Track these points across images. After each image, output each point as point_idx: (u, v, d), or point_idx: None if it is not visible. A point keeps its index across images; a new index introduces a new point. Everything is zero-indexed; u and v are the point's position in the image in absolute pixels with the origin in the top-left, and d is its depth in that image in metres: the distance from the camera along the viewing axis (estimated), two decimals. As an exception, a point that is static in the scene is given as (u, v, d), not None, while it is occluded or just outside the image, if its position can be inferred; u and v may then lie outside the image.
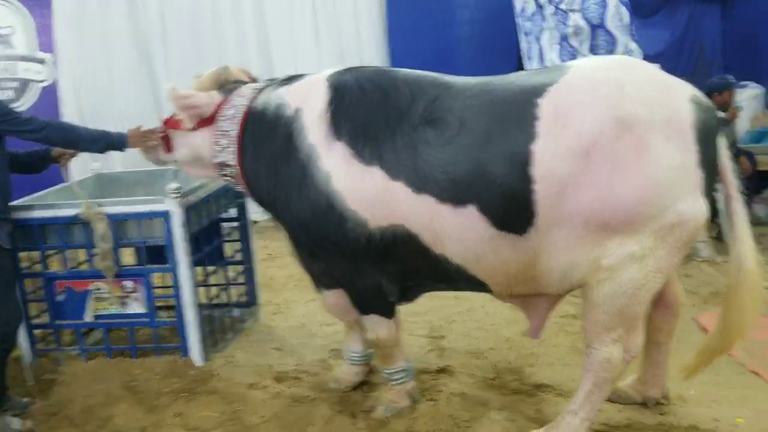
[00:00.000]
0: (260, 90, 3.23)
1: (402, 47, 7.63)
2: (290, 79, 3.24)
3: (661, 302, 3.13)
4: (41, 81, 7.55)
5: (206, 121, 3.22)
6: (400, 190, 2.80)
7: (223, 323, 4.19)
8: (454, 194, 2.73)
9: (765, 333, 4.21)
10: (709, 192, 2.71)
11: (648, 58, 6.17)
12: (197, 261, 3.85)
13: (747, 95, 7.29)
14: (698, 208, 2.67)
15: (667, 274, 2.77)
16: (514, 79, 2.89)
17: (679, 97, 2.69)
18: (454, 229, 2.77)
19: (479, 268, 2.87)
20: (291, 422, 3.32)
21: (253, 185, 3.23)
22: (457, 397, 3.44)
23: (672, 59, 7.45)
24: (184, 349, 3.76)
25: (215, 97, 3.25)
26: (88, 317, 3.73)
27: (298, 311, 4.81)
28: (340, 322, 4.48)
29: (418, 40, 7.53)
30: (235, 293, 4.58)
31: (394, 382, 3.34)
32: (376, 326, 3.23)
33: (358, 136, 2.89)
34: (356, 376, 3.63)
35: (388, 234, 2.88)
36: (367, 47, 7.67)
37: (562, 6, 5.62)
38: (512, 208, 2.68)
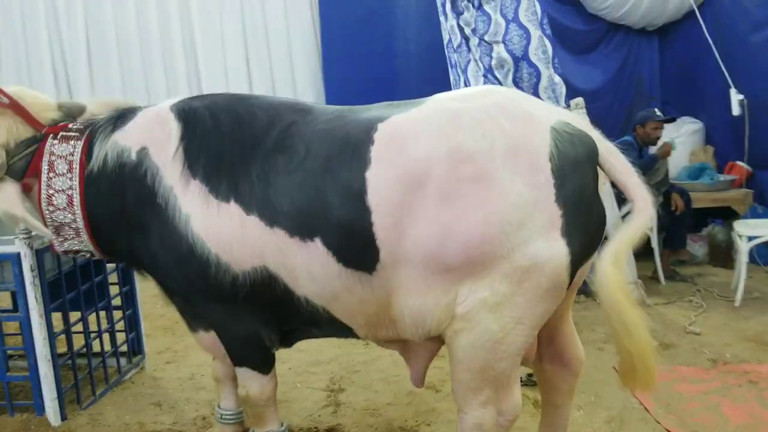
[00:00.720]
0: (86, 147, 2.79)
1: (337, 75, 7.44)
2: (118, 119, 2.83)
3: (557, 359, 2.86)
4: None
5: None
6: (254, 226, 2.51)
7: (92, 376, 3.78)
8: (300, 226, 2.46)
9: (683, 385, 3.96)
10: (576, 231, 2.38)
11: (584, 93, 6.01)
12: (61, 305, 3.48)
13: (685, 130, 7.16)
14: (555, 249, 2.35)
15: (532, 326, 2.45)
16: (373, 108, 2.64)
17: (535, 127, 2.41)
18: (305, 266, 2.49)
19: (338, 308, 2.57)
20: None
21: (117, 254, 2.96)
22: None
23: (609, 93, 7.32)
24: (38, 407, 3.37)
25: (11, 186, 2.77)
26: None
27: (193, 360, 4.45)
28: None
29: (354, 68, 7.33)
30: (120, 340, 4.20)
31: None
32: (248, 381, 2.88)
33: (213, 170, 2.59)
34: None
35: (251, 277, 2.57)
36: (300, 74, 7.46)
37: (486, 38, 5.41)
38: (354, 242, 2.40)
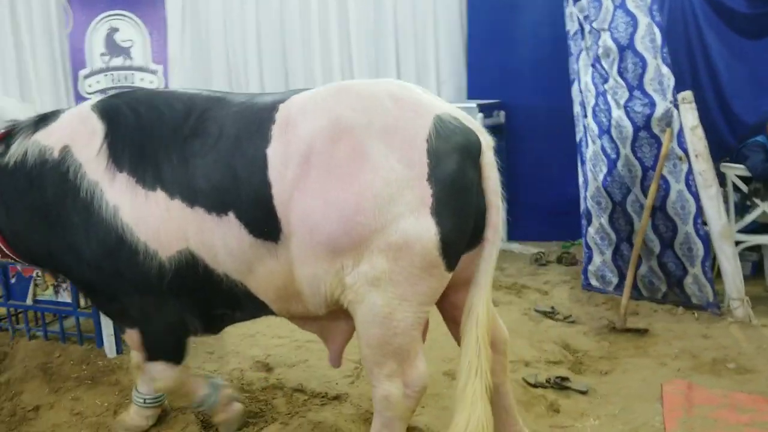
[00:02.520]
0: (1, 141, 3.02)
1: (481, 63, 7.43)
2: (41, 121, 3.03)
3: None
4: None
5: None
6: (177, 208, 2.75)
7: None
8: (216, 202, 2.70)
9: (727, 412, 3.56)
10: (448, 213, 2.47)
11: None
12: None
13: None
14: (423, 227, 2.46)
15: (418, 303, 2.56)
16: (283, 92, 2.86)
17: (419, 110, 2.53)
18: (222, 240, 2.72)
19: (253, 282, 2.78)
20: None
21: (17, 246, 3.06)
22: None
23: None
24: (98, 340, 4.03)
25: None
26: (29, 300, 4.16)
27: (263, 321, 4.90)
28: (287, 335, 4.59)
29: (498, 55, 7.27)
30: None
31: (213, 405, 3.23)
32: (162, 374, 3.08)
33: (138, 161, 2.81)
34: (147, 420, 3.41)
35: (176, 261, 2.80)
36: (444, 62, 7.59)
37: (595, 24, 5.14)
38: (260, 214, 2.63)
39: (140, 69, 8.45)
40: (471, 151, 2.57)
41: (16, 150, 2.95)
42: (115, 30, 8.43)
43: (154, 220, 2.77)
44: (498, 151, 7.23)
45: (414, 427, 3.37)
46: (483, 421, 2.61)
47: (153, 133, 2.83)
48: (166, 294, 2.87)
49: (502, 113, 7.32)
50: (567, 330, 4.75)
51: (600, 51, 5.09)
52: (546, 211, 7.32)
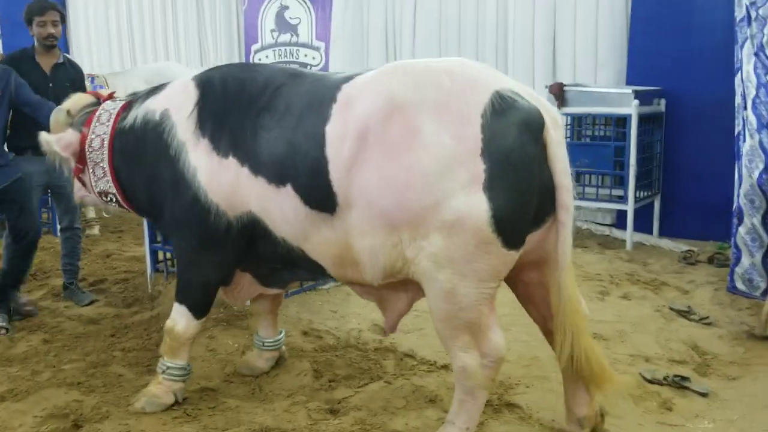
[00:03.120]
0: (126, 108, 3.38)
1: (644, 48, 7.08)
2: (155, 89, 3.37)
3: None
4: (316, 65, 8.87)
5: (82, 158, 3.39)
6: (245, 177, 2.97)
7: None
8: (276, 175, 2.87)
9: None
10: (503, 189, 2.46)
11: None
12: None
13: None
14: (474, 205, 2.45)
15: (479, 279, 2.58)
16: (352, 72, 2.93)
17: (476, 86, 2.52)
18: (280, 209, 2.90)
19: (310, 248, 2.95)
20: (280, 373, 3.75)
21: (135, 201, 3.41)
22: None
23: None
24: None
25: (74, 132, 3.39)
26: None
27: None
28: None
29: (663, 41, 6.90)
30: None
31: (167, 377, 3.36)
32: (179, 317, 3.32)
33: (217, 129, 3.04)
34: (266, 361, 3.72)
35: (241, 222, 3.04)
36: (603, 46, 7.30)
37: (761, 11, 4.75)
38: (316, 188, 2.76)
39: (304, 45, 8.93)
40: (531, 126, 2.52)
41: (132, 114, 3.32)
42: (285, 8, 8.96)
43: (225, 185, 3.01)
44: (654, 141, 6.92)
45: (515, 405, 3.39)
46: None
47: (233, 105, 3.05)
48: (225, 251, 3.13)
49: (663, 101, 6.95)
50: (700, 331, 4.50)
51: (765, 39, 4.71)
52: (702, 207, 6.87)
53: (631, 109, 6.38)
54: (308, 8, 8.81)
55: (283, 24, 9.00)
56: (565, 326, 2.69)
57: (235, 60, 9.48)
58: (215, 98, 3.10)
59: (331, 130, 2.74)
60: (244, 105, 3.02)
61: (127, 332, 4.29)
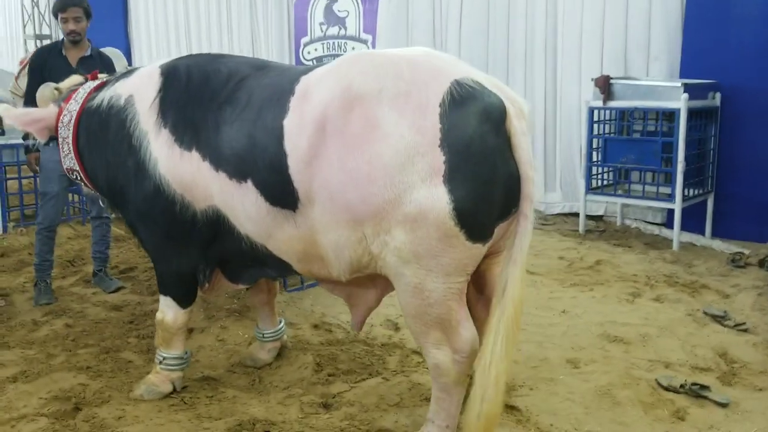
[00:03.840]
0: (98, 88, 3.37)
1: (698, 41, 6.74)
2: (128, 73, 3.37)
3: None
4: (363, 58, 8.88)
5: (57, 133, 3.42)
6: (207, 170, 2.93)
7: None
8: (236, 170, 2.82)
9: None
10: (464, 180, 2.36)
11: None
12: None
13: None
14: (435, 198, 2.36)
15: (446, 274, 2.49)
16: (314, 65, 2.87)
17: (436, 75, 2.43)
18: (242, 205, 2.85)
19: (274, 246, 2.89)
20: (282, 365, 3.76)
21: (95, 181, 3.39)
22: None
23: None
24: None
25: (52, 108, 3.44)
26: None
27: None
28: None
29: (719, 34, 6.54)
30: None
31: (164, 367, 3.38)
32: (166, 308, 3.33)
33: (179, 120, 3.01)
34: (269, 352, 3.72)
35: (206, 215, 3.01)
36: (656, 39, 6.99)
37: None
38: (276, 183, 2.71)
39: (352, 38, 8.95)
40: (492, 116, 2.43)
41: (100, 96, 3.31)
42: (334, 1, 8.99)
43: (187, 176, 2.98)
44: (708, 137, 6.60)
45: (514, 407, 3.29)
46: (498, 407, 2.57)
47: (195, 96, 3.01)
48: (191, 242, 3.11)
49: (718, 95, 6.61)
50: (733, 338, 4.24)
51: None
52: (758, 207, 6.50)
53: (680, 103, 6.08)
54: (356, 1, 8.81)
55: (331, 17, 9.04)
56: (496, 332, 2.53)
57: (285, 52, 9.59)
58: (177, 89, 3.07)
59: (289, 123, 2.69)
60: (207, 97, 2.98)
61: (145, 319, 4.38)
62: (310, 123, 2.62)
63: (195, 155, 2.97)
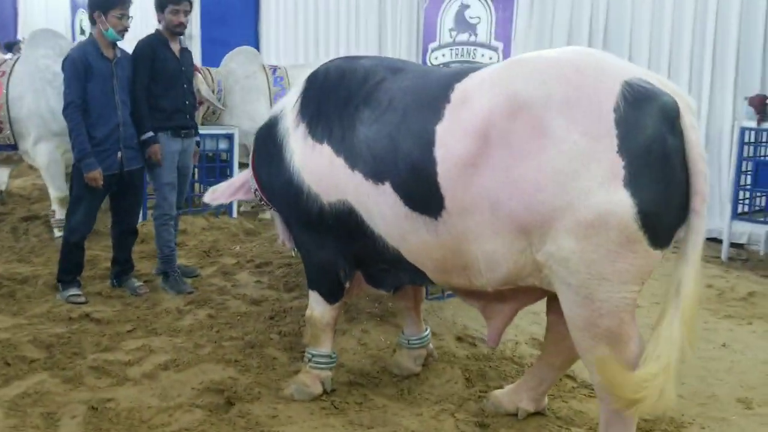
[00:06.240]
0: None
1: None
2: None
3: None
4: (493, 66, 8.70)
5: None
6: (341, 167, 2.95)
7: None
8: (374, 171, 2.80)
9: None
10: (645, 183, 2.28)
11: None
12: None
13: None
14: (617, 202, 2.26)
15: (621, 282, 2.36)
16: (462, 66, 2.83)
17: (604, 78, 2.34)
18: (377, 206, 2.83)
19: (407, 250, 2.85)
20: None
21: (265, 190, 3.49)
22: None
23: None
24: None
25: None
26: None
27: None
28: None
29: None
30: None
31: (313, 365, 3.35)
32: (314, 304, 3.34)
33: (314, 117, 3.10)
34: (415, 361, 3.60)
35: (336, 209, 3.03)
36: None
37: None
38: (420, 189, 2.65)
39: (482, 45, 8.77)
40: (667, 115, 2.32)
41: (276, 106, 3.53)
42: (466, 6, 8.86)
43: (318, 168, 3.04)
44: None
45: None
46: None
47: (330, 94, 3.09)
48: (326, 235, 3.14)
49: None
50: None
51: None
52: None
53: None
54: (489, 8, 8.65)
55: (462, 23, 8.91)
56: (669, 336, 2.38)
57: (413, 56, 9.52)
58: (318, 87, 3.19)
59: (443, 129, 2.62)
60: (343, 96, 3.04)
61: (285, 316, 4.38)
62: (470, 130, 2.54)
63: (326, 149, 3.03)
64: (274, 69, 7.52)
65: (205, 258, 5.70)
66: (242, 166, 7.25)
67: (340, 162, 2.97)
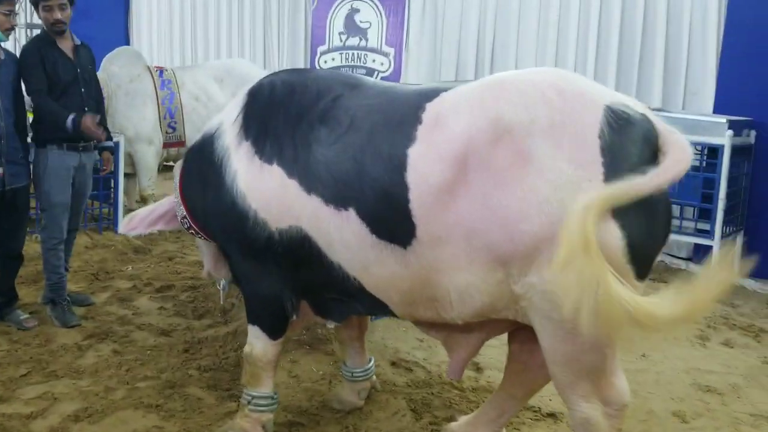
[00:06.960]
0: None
1: (732, 75, 6.68)
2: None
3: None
4: (384, 71, 8.59)
5: None
6: (294, 190, 2.70)
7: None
8: (336, 195, 2.59)
9: None
10: (633, 213, 2.17)
11: None
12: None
13: None
14: (606, 232, 2.15)
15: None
16: (427, 85, 2.67)
17: (587, 104, 2.26)
18: (339, 233, 2.61)
19: (370, 281, 2.64)
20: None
21: (196, 216, 3.13)
22: None
23: None
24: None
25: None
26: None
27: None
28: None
29: (752, 67, 6.50)
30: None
31: (253, 408, 3.08)
32: (254, 339, 3.06)
33: (261, 135, 2.84)
34: (359, 395, 3.43)
35: (287, 236, 2.76)
36: (693, 71, 6.91)
37: None
38: (389, 216, 2.47)
39: (373, 50, 8.65)
40: (647, 139, 2.27)
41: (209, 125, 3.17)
42: (356, 11, 8.69)
43: (267, 192, 2.77)
44: (741, 174, 6.53)
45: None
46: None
47: (279, 110, 2.83)
48: (272, 265, 2.86)
49: (753, 133, 6.57)
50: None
51: None
52: (789, 247, 6.46)
53: (724, 139, 6.02)
54: (380, 13, 8.55)
55: (352, 27, 8.74)
56: None
57: (300, 61, 9.25)
58: (260, 103, 2.92)
59: (415, 153, 2.45)
60: (294, 113, 2.80)
61: (200, 348, 4.03)
62: (446, 155, 2.38)
63: (277, 170, 2.76)
64: (161, 71, 6.97)
65: (95, 282, 5.16)
66: (127, 176, 6.70)
67: (293, 184, 2.71)
